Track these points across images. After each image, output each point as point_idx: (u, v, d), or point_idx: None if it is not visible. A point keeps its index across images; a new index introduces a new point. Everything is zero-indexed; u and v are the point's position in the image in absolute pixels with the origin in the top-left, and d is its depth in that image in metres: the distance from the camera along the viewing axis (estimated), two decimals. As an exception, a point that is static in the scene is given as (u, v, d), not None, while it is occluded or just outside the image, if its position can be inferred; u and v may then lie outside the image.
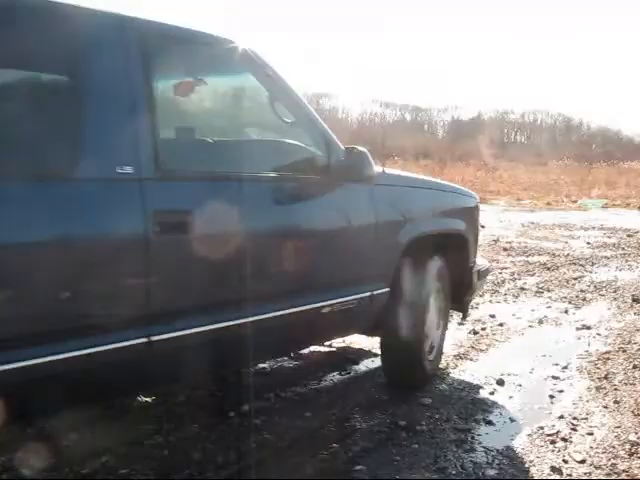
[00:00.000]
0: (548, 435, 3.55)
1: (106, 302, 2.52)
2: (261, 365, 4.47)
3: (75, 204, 2.43)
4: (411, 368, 4.15)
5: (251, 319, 2.96)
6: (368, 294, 3.62)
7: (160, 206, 2.64)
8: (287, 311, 3.16)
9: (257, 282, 2.97)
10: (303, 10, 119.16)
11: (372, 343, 4.81)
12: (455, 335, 5.46)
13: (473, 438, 3.51)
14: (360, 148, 3.43)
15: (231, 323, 2.92)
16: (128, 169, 2.55)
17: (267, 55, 3.20)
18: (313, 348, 4.88)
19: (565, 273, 8.37)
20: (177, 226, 2.71)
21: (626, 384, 4.38)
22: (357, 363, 4.74)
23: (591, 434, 3.57)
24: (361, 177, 3.43)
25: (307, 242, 3.35)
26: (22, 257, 2.28)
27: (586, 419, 3.78)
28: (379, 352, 4.32)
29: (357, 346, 5.05)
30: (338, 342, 5.03)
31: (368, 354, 4.89)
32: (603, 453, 3.34)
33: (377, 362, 4.60)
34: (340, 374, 4.50)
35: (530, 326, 5.89)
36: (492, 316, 6.12)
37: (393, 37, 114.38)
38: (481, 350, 5.11)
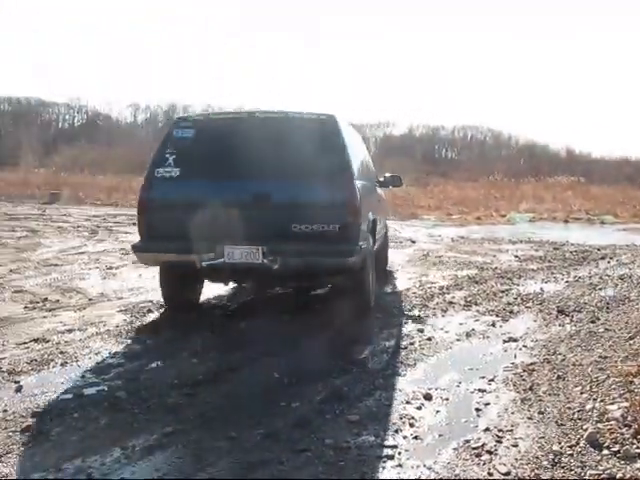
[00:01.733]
0: (474, 448, 3.58)
1: None
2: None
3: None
4: None
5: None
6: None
7: None
8: None
9: None
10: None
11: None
12: (384, 350, 5.49)
13: (400, 454, 3.51)
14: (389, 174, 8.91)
15: None
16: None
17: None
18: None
19: (493, 286, 8.50)
20: None
21: (550, 395, 4.45)
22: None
23: (516, 446, 3.62)
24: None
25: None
26: None
27: (511, 431, 3.82)
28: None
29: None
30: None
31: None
32: (527, 464, 3.38)
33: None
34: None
35: (458, 340, 5.95)
36: (420, 331, 6.16)
37: (326, 51, 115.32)
38: (409, 365, 5.13)
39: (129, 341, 5.74)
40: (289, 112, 6.66)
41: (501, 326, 6.50)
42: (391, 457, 3.47)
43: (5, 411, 4.11)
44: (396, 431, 3.82)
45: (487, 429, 3.85)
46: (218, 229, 6.01)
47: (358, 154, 7.25)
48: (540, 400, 4.36)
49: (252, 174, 6.20)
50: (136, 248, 6.48)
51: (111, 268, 9.52)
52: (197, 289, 7.24)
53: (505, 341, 5.91)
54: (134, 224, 15.93)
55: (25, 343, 5.62)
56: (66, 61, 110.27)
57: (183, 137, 6.53)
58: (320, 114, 6.64)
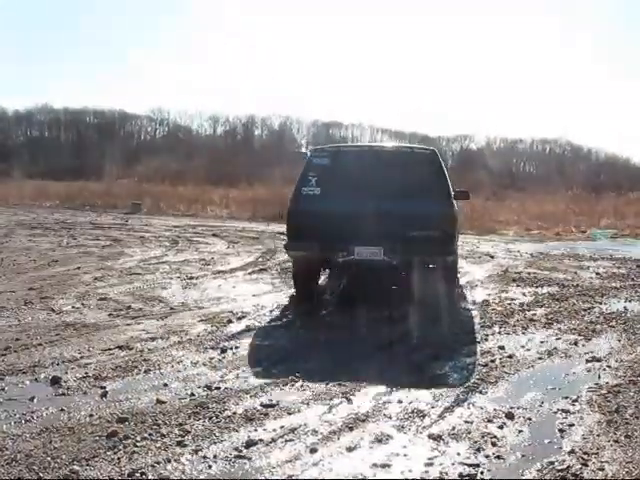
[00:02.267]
0: (559, 470, 3.50)
1: None
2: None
3: None
4: None
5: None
6: None
7: None
8: None
9: None
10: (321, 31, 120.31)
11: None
12: (464, 367, 5.43)
13: (482, 473, 3.45)
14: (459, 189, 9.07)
15: None
16: None
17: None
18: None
19: (574, 304, 8.30)
20: None
21: (637, 418, 4.32)
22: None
23: (602, 469, 3.52)
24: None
25: None
26: None
27: (597, 454, 3.72)
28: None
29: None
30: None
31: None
32: (615, 489, 3.29)
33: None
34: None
35: (540, 358, 5.83)
36: (501, 348, 6.07)
37: (402, 66, 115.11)
38: (490, 382, 5.06)
39: (210, 350, 5.84)
40: (401, 145, 10.27)
41: (584, 345, 6.34)
42: (473, 476, 3.42)
43: (91, 415, 4.23)
44: (478, 449, 3.77)
45: (572, 451, 3.75)
46: (349, 234, 7.74)
47: (448, 176, 8.50)
48: (627, 423, 4.24)
49: (376, 193, 7.88)
50: (289, 247, 8.30)
51: (191, 278, 9.70)
52: (317, 279, 9.13)
53: (588, 361, 5.76)
54: (214, 235, 16.37)
55: (110, 349, 5.79)
56: (147, 73, 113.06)
57: (321, 164, 8.41)
58: (424, 148, 9.47)
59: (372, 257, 7.78)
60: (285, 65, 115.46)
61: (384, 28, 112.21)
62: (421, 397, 4.71)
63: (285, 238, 8.46)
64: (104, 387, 4.79)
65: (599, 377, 5.28)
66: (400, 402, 4.62)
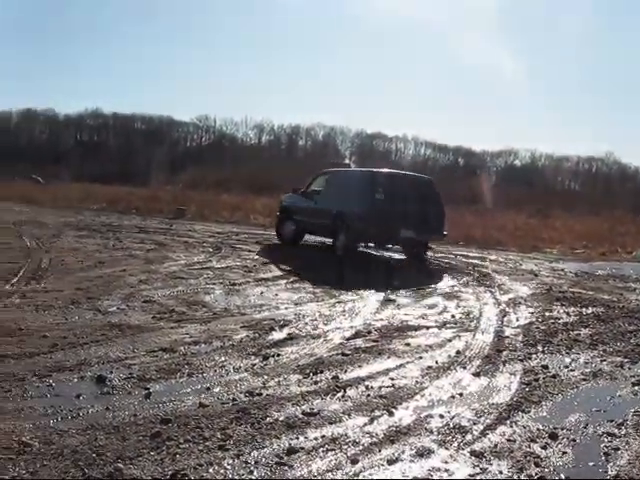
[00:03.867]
0: (604, 495, 3.44)
1: None
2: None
3: None
4: None
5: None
6: None
7: None
8: None
9: None
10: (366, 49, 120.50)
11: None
12: (507, 385, 5.37)
13: (525, 494, 3.42)
14: None
15: None
16: None
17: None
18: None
19: (620, 326, 8.17)
20: None
21: (685, 445, 4.23)
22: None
23: (648, 496, 3.45)
24: None
25: None
26: None
27: (643, 479, 3.65)
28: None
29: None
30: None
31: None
32: (661, 516, 3.23)
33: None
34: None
35: (584, 379, 5.75)
36: (545, 367, 6.00)
37: (448, 78, 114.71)
38: (533, 402, 5.00)
39: (252, 357, 5.87)
40: (417, 174, 17.17)
41: (630, 368, 6.24)
42: (516, 497, 3.39)
43: (135, 415, 4.29)
44: (520, 469, 3.73)
45: (617, 476, 3.70)
46: (398, 222, 13.70)
47: (439, 194, 15.24)
48: (675, 450, 4.15)
49: (414, 200, 14.12)
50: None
51: (234, 284, 9.77)
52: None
53: (634, 384, 5.67)
54: (257, 243, 16.48)
55: (154, 351, 5.85)
56: (196, 80, 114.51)
57: (381, 180, 14.56)
58: (427, 177, 16.40)
59: (410, 236, 13.87)
60: (331, 75, 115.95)
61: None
62: (463, 413, 4.68)
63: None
64: (148, 388, 4.85)
65: (646, 401, 5.19)
66: (442, 417, 4.59)
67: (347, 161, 74.70)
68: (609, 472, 3.76)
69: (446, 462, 3.80)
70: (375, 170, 15.30)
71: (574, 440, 4.25)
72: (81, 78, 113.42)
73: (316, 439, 4.07)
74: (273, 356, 5.94)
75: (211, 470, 3.55)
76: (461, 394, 5.15)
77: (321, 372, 5.54)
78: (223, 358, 5.77)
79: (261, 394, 4.87)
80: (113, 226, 19.74)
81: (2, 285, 8.73)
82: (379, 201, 13.56)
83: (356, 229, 13.87)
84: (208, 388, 4.94)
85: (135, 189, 36.95)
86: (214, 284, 9.74)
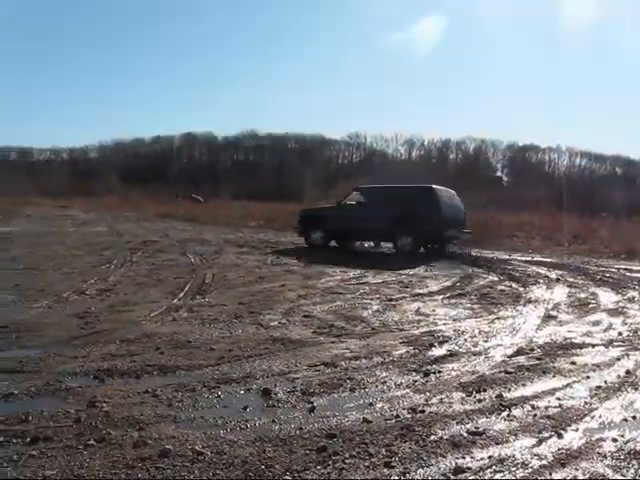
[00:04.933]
0: None
1: None
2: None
3: None
4: None
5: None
6: None
7: None
8: None
9: None
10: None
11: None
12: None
13: None
14: None
15: None
16: None
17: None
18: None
19: None
20: None
21: None
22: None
23: None
24: None
25: None
26: None
27: None
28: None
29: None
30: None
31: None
32: None
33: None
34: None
35: None
36: None
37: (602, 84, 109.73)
38: None
39: (413, 373, 5.81)
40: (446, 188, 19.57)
41: None
42: None
43: (301, 429, 4.35)
44: None
45: None
46: (448, 225, 17.53)
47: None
48: None
49: (452, 206, 18.43)
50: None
51: (390, 300, 9.76)
52: None
53: None
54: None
55: (316, 366, 5.93)
56: (345, 99, 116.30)
57: (438, 192, 17.86)
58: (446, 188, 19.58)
59: (452, 234, 17.97)
60: (480, 88, 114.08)
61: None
62: (638, 438, 4.39)
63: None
64: (312, 402, 4.91)
65: None
66: (615, 441, 4.33)
67: (499, 174, 73.25)
68: None
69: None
70: (432, 186, 18.21)
71: None
72: (237, 103, 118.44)
73: (483, 459, 3.95)
74: (434, 373, 5.85)
75: (378, 487, 3.53)
76: (634, 417, 4.84)
77: (484, 390, 5.38)
78: (384, 374, 5.75)
79: (424, 411, 4.79)
80: (271, 243, 20.34)
81: (171, 299, 9.20)
82: (441, 209, 17.45)
83: (423, 232, 17.51)
84: (371, 404, 4.94)
85: (290, 206, 37.85)
86: (371, 299, 9.77)
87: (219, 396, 5.02)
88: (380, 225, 17.69)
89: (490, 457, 3.99)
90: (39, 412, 4.58)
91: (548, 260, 17.13)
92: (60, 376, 5.50)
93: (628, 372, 6.05)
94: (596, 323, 8.54)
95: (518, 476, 3.73)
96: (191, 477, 3.59)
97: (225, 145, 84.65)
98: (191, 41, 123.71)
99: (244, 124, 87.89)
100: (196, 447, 3.96)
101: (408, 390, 5.32)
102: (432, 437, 4.28)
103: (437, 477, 3.67)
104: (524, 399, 5.19)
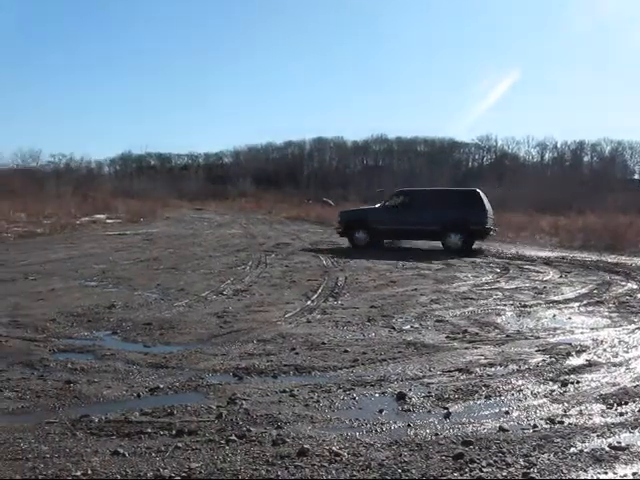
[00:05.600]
0: None
1: None
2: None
3: None
4: None
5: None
6: None
7: None
8: None
9: None
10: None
11: None
12: None
13: None
14: None
15: None
16: None
17: None
18: None
19: None
20: None
21: None
22: None
23: None
24: None
25: None
26: None
27: None
28: None
29: None
30: None
31: None
32: None
33: None
34: None
35: None
36: None
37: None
38: None
39: (550, 382, 5.67)
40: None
41: None
42: None
43: (437, 435, 4.35)
44: None
45: None
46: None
47: None
48: None
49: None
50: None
51: (525, 306, 9.53)
52: None
53: None
54: (545, 263, 15.96)
55: (450, 371, 5.91)
56: (474, 102, 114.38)
57: (482, 196, 19.60)
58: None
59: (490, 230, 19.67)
60: (619, 89, 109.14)
61: None
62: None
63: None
64: (447, 408, 4.90)
65: None
66: None
67: (637, 176, 69.74)
68: None
69: None
70: (475, 189, 20.14)
71: None
72: (369, 107, 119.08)
73: (626, 476, 3.81)
74: (572, 383, 5.68)
75: (518, 497, 3.49)
76: None
77: (626, 403, 5.17)
78: (520, 382, 5.65)
79: (563, 422, 4.67)
80: (401, 246, 20.35)
81: (305, 301, 9.41)
82: (487, 209, 19.33)
83: (473, 231, 19.22)
84: (507, 412, 4.87)
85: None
86: (504, 305, 9.59)
87: (354, 398, 5.10)
88: (431, 226, 19.29)
89: (634, 474, 3.84)
90: (183, 406, 4.84)
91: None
92: (201, 372, 5.78)
93: None
94: None
95: (665, 495, 3.58)
96: (329, 477, 3.68)
97: (354, 149, 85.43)
98: (324, 47, 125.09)
99: (373, 128, 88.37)
100: (333, 448, 4.05)
101: (545, 400, 5.20)
102: (572, 449, 4.16)
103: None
104: (671, 415, 4.95)
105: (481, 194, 19.62)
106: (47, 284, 11.07)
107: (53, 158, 58.36)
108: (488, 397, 5.21)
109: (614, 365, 6.37)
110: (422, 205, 19.57)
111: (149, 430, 4.36)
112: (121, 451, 3.98)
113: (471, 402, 5.09)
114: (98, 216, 31.76)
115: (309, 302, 9.37)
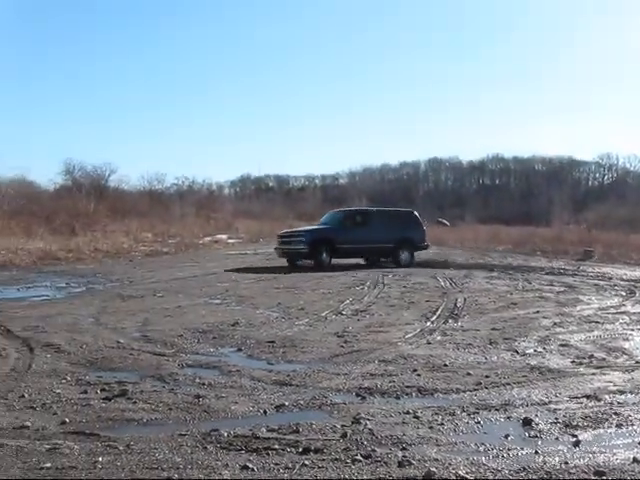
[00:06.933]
0: None
1: None
2: None
3: None
4: None
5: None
6: None
7: None
8: None
9: None
10: None
11: None
12: None
13: None
14: None
15: None
16: None
17: None
18: None
19: None
20: None
21: None
22: None
23: None
24: None
25: None
26: None
27: None
28: None
29: None
30: None
31: None
32: None
33: None
34: None
35: None
36: None
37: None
38: None
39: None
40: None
41: None
42: None
43: (566, 463, 4.21)
44: None
45: None
46: None
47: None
48: None
49: None
50: None
51: (655, 332, 9.11)
52: None
53: None
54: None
55: (577, 398, 5.72)
56: (595, 119, 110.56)
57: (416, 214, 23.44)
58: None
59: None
60: None
61: None
62: None
63: None
64: (576, 436, 4.74)
65: None
66: None
67: None
68: None
69: None
70: (412, 210, 24.08)
71: None
72: (482, 126, 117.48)
73: None
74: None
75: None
76: None
77: None
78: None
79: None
80: (520, 267, 19.91)
81: (424, 322, 9.39)
82: (424, 228, 23.03)
83: (418, 248, 22.24)
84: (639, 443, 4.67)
85: (538, 230, 36.77)
86: (632, 330, 9.19)
87: (479, 422, 5.03)
88: (385, 244, 21.37)
89: None
90: (308, 424, 4.92)
91: None
92: (325, 391, 5.86)
93: None
94: None
95: None
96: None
97: (470, 169, 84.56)
98: (435, 74, 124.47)
99: (487, 146, 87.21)
100: (460, 472, 4.00)
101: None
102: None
103: None
104: None
105: (416, 214, 23.17)
106: (174, 301, 11.56)
107: (177, 180, 60.79)
108: (619, 426, 5.00)
109: None
110: (376, 224, 21.65)
111: (276, 446, 4.47)
112: (250, 466, 4.09)
113: (601, 430, 4.90)
114: (219, 236, 32.87)
115: (429, 323, 9.34)
